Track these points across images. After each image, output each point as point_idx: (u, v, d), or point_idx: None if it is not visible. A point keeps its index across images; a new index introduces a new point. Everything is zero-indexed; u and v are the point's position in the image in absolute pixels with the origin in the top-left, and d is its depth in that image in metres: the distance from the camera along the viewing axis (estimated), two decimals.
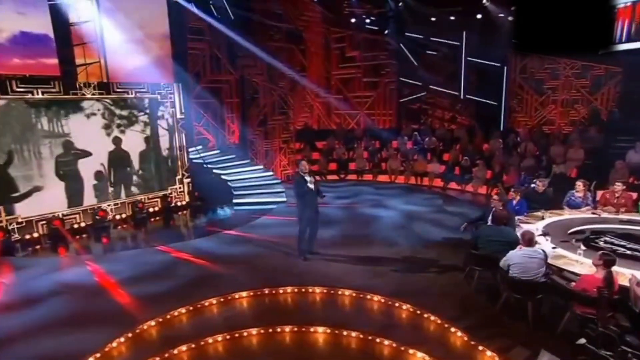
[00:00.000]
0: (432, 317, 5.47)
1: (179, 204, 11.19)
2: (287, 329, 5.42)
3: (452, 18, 15.29)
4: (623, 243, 6.21)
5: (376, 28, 16.71)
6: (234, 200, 11.27)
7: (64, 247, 8.47)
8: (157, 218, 10.53)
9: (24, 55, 9.60)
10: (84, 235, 9.22)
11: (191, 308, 5.89)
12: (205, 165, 12.22)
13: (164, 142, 11.03)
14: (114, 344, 5.04)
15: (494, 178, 12.31)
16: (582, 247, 6.01)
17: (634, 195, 7.96)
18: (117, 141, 10.14)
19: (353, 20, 16.61)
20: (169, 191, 11.06)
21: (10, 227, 8.54)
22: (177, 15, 11.76)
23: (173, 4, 11.41)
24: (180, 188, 11.27)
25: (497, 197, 6.89)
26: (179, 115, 11.06)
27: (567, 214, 7.30)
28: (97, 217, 9.45)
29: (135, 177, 10.53)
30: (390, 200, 11.43)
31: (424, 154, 14.65)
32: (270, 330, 5.39)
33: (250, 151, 13.77)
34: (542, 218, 7.08)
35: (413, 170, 14.18)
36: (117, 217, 10.06)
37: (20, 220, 8.71)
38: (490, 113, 15.62)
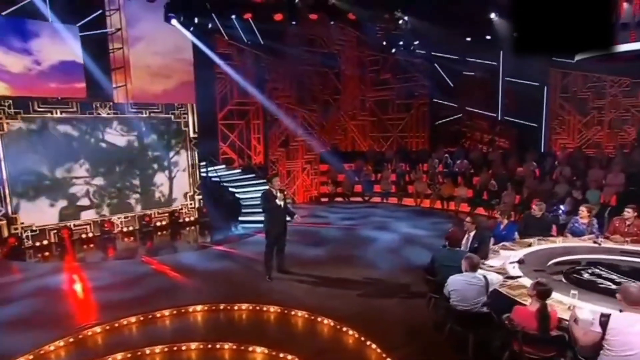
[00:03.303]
0: (373, 345, 5.08)
1: (187, 219, 11.52)
2: (227, 346, 5.31)
3: (489, 37, 14.60)
4: (613, 277, 5.41)
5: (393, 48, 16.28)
6: (240, 218, 11.38)
7: (68, 255, 9.00)
8: (164, 232, 10.88)
9: (59, 80, 10.75)
10: (92, 245, 9.74)
11: (141, 318, 5.94)
12: (221, 184, 12.53)
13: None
14: (51, 347, 5.21)
15: (522, 204, 11.33)
16: (563, 280, 5.35)
17: None
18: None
19: (384, 42, 16.44)
20: (179, 207, 11.44)
21: (24, 235, 9.29)
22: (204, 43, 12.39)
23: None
24: (191, 204, 11.62)
25: (470, 219, 6.23)
26: (192, 135, 11.52)
27: (561, 242, 6.49)
28: (104, 228, 10.00)
29: None
30: (397, 223, 10.92)
31: (454, 177, 13.91)
32: (210, 345, 5.31)
33: (271, 171, 13.95)
34: (529, 245, 6.37)
35: (439, 194, 13.50)
36: (125, 229, 10.57)
37: (34, 228, 9.45)
38: (529, 135, 14.57)
